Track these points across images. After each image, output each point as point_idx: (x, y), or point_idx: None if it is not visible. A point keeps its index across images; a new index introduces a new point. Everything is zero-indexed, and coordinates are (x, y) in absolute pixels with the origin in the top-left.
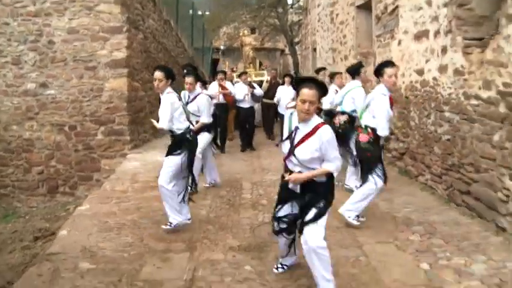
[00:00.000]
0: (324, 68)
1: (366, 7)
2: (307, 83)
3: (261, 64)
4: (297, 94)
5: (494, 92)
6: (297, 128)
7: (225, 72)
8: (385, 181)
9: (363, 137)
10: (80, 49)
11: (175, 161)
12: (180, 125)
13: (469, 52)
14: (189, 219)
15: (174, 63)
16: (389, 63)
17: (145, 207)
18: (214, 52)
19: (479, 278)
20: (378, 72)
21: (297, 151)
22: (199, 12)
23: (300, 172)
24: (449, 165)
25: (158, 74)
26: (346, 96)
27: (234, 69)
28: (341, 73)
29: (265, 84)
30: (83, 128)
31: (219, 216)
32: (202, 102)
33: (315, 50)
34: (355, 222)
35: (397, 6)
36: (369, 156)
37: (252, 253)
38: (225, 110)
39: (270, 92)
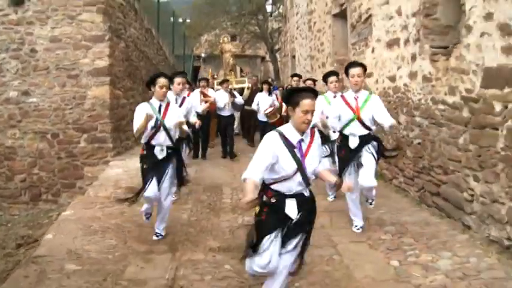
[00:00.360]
0: (299, 75)
1: (342, 16)
2: (308, 93)
3: (241, 71)
4: (293, 104)
5: (458, 98)
6: (301, 141)
7: (207, 80)
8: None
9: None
10: (62, 57)
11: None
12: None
13: (435, 60)
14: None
15: (155, 71)
16: (352, 64)
17: (128, 211)
18: (196, 60)
19: (444, 272)
20: (324, 80)
21: (307, 162)
22: (180, 20)
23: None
24: (420, 168)
25: (166, 82)
26: None
27: (215, 76)
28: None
29: (246, 92)
30: (65, 135)
31: (200, 219)
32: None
33: (294, 57)
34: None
35: (370, 15)
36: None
37: (231, 253)
38: (207, 118)
39: (251, 99)
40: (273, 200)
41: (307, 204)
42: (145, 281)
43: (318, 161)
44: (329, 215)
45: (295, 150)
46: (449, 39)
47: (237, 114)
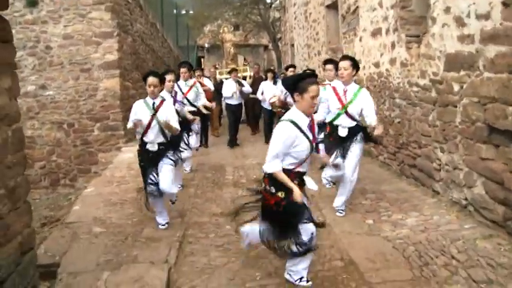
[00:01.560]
0: (294, 66)
1: (334, 7)
2: (313, 78)
3: (245, 60)
4: (301, 91)
5: (428, 80)
6: (309, 124)
7: (202, 69)
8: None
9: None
10: (75, 53)
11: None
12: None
13: (410, 47)
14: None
15: (161, 63)
16: (328, 61)
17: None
18: (199, 50)
19: (409, 227)
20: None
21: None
22: (183, 11)
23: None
24: (400, 144)
25: (155, 80)
26: None
27: (217, 66)
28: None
29: (248, 80)
30: (80, 125)
31: (205, 192)
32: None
33: (292, 45)
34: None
35: (357, 7)
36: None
37: (231, 217)
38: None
39: (254, 86)
40: (296, 182)
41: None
42: (160, 238)
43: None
44: (319, 186)
45: (308, 133)
46: (421, 28)
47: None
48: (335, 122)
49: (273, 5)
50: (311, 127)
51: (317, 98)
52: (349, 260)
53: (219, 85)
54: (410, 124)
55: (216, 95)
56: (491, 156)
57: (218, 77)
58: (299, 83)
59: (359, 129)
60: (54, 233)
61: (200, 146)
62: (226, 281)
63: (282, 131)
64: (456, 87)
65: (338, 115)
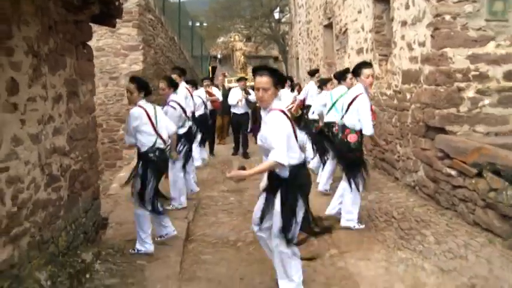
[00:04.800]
0: (318, 70)
1: (330, 26)
2: (261, 70)
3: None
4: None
5: (392, 91)
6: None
7: (211, 79)
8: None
9: (353, 137)
10: (105, 63)
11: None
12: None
13: (381, 64)
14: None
15: None
16: (366, 64)
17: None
18: (212, 60)
19: (369, 201)
20: (355, 72)
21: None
22: (197, 24)
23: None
24: (375, 142)
25: (131, 86)
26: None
27: (226, 74)
28: (332, 79)
29: None
30: (108, 125)
31: (215, 177)
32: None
33: (297, 59)
34: (360, 226)
35: (346, 29)
36: (358, 156)
37: (236, 192)
38: (212, 116)
39: None
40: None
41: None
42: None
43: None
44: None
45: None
46: (389, 50)
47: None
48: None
49: (283, 19)
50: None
51: (263, 90)
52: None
53: (227, 93)
54: (381, 125)
55: (225, 103)
56: (427, 147)
57: (227, 85)
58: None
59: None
60: (99, 200)
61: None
62: (228, 230)
63: (280, 121)
64: (408, 96)
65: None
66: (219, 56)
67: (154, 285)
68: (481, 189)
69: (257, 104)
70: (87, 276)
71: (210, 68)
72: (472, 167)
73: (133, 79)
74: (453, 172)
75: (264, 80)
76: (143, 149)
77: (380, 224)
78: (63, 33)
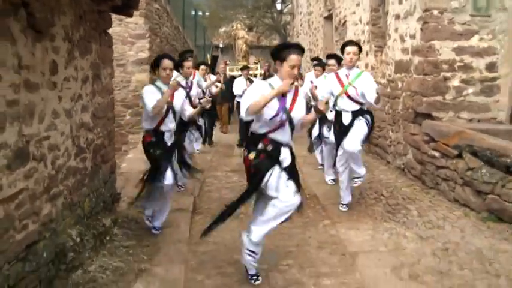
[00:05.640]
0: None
1: (330, 18)
2: (295, 49)
3: (256, 58)
4: (281, 59)
5: (385, 80)
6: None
7: (208, 64)
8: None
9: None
10: (113, 50)
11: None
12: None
13: (376, 55)
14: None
15: None
16: (349, 42)
17: None
18: (214, 49)
19: (362, 181)
20: (342, 51)
21: (293, 113)
22: (200, 13)
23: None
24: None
25: (169, 63)
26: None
27: (228, 62)
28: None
29: (259, 78)
30: (115, 110)
31: (218, 159)
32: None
33: None
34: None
35: (345, 21)
36: None
37: (238, 172)
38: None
39: None
40: (269, 148)
41: (292, 154)
42: (188, 182)
43: (302, 113)
44: (303, 159)
45: (281, 99)
46: (384, 41)
47: None
48: (338, 107)
49: (285, 10)
50: (289, 99)
51: (297, 68)
52: (314, 194)
53: (229, 82)
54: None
55: (226, 92)
56: (416, 132)
57: (228, 73)
58: (281, 52)
59: (363, 113)
60: (113, 176)
61: (204, 143)
62: None
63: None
64: (400, 85)
65: (338, 96)
66: (220, 46)
67: (168, 247)
68: (460, 169)
69: None
70: (107, 238)
71: (208, 56)
72: (453, 149)
73: (170, 57)
74: (437, 154)
75: (300, 59)
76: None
77: (370, 201)
78: (90, 22)
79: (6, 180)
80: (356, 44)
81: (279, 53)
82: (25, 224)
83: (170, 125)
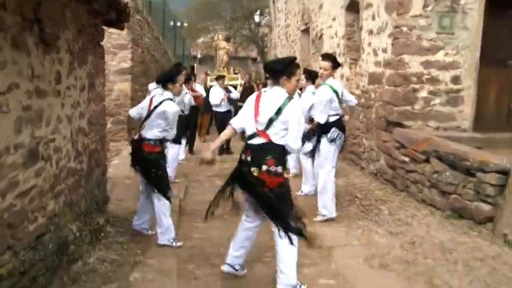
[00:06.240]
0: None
1: (307, 31)
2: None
3: (234, 71)
4: (289, 74)
5: (360, 91)
6: None
7: (193, 75)
8: None
9: None
10: (105, 61)
11: None
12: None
13: (351, 67)
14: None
15: (161, 71)
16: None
17: None
18: (192, 59)
19: (337, 185)
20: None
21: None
22: (178, 23)
23: None
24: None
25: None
26: None
27: (208, 72)
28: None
29: (239, 88)
30: None
31: (200, 166)
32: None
33: None
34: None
35: (322, 34)
36: None
37: (220, 177)
38: (194, 113)
39: (245, 95)
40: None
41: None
42: (173, 186)
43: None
44: None
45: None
46: (358, 54)
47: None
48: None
49: (262, 22)
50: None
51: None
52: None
53: (209, 92)
54: (350, 122)
55: (206, 102)
56: (387, 139)
57: (209, 83)
58: (292, 68)
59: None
60: (104, 179)
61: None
62: None
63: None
64: (373, 95)
65: None
66: (198, 56)
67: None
68: (427, 172)
69: (239, 103)
70: (102, 235)
71: (195, 65)
72: (421, 154)
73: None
74: (407, 159)
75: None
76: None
77: (344, 202)
78: (87, 35)
79: (22, 177)
80: (330, 57)
81: (290, 69)
82: (35, 216)
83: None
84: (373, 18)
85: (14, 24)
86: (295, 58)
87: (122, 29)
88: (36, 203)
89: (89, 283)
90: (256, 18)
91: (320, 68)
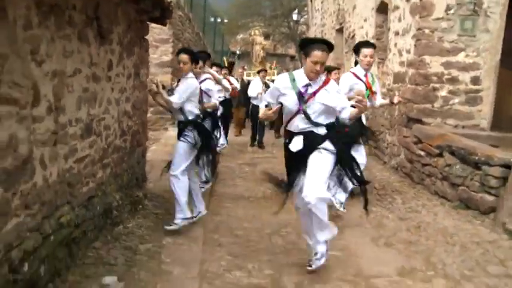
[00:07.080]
0: (265, 70)
1: (341, 31)
2: (320, 44)
3: (271, 65)
4: (305, 54)
5: (385, 89)
6: (308, 85)
7: (229, 68)
8: None
9: None
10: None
11: (184, 146)
12: (194, 110)
13: (379, 66)
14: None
15: None
16: (366, 43)
17: None
18: (231, 55)
19: None
20: (356, 51)
21: (310, 105)
22: (219, 20)
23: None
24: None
25: (184, 57)
26: None
27: (245, 67)
28: (339, 68)
29: None
30: None
31: (233, 154)
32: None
33: None
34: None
35: (354, 34)
36: None
37: (250, 165)
38: (228, 104)
39: None
40: (286, 140)
41: (316, 139)
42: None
43: (331, 102)
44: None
45: (301, 91)
46: (385, 55)
47: None
48: None
49: (301, 20)
50: (310, 91)
51: (320, 65)
52: None
53: (246, 86)
54: (375, 119)
55: (242, 96)
56: (408, 135)
57: (246, 78)
58: (305, 47)
59: None
60: (143, 161)
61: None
62: (243, 190)
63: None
64: (397, 93)
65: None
66: (238, 52)
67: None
68: (440, 165)
69: None
70: (140, 206)
71: (225, 58)
72: (436, 148)
73: (187, 51)
74: (422, 153)
75: (324, 56)
76: (191, 117)
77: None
78: (135, 30)
79: (79, 146)
80: (373, 45)
81: (303, 47)
82: (87, 181)
83: None
84: (399, 20)
85: (80, 21)
86: (317, 39)
87: (164, 24)
88: (89, 169)
89: (128, 242)
90: (295, 17)
91: (365, 56)
